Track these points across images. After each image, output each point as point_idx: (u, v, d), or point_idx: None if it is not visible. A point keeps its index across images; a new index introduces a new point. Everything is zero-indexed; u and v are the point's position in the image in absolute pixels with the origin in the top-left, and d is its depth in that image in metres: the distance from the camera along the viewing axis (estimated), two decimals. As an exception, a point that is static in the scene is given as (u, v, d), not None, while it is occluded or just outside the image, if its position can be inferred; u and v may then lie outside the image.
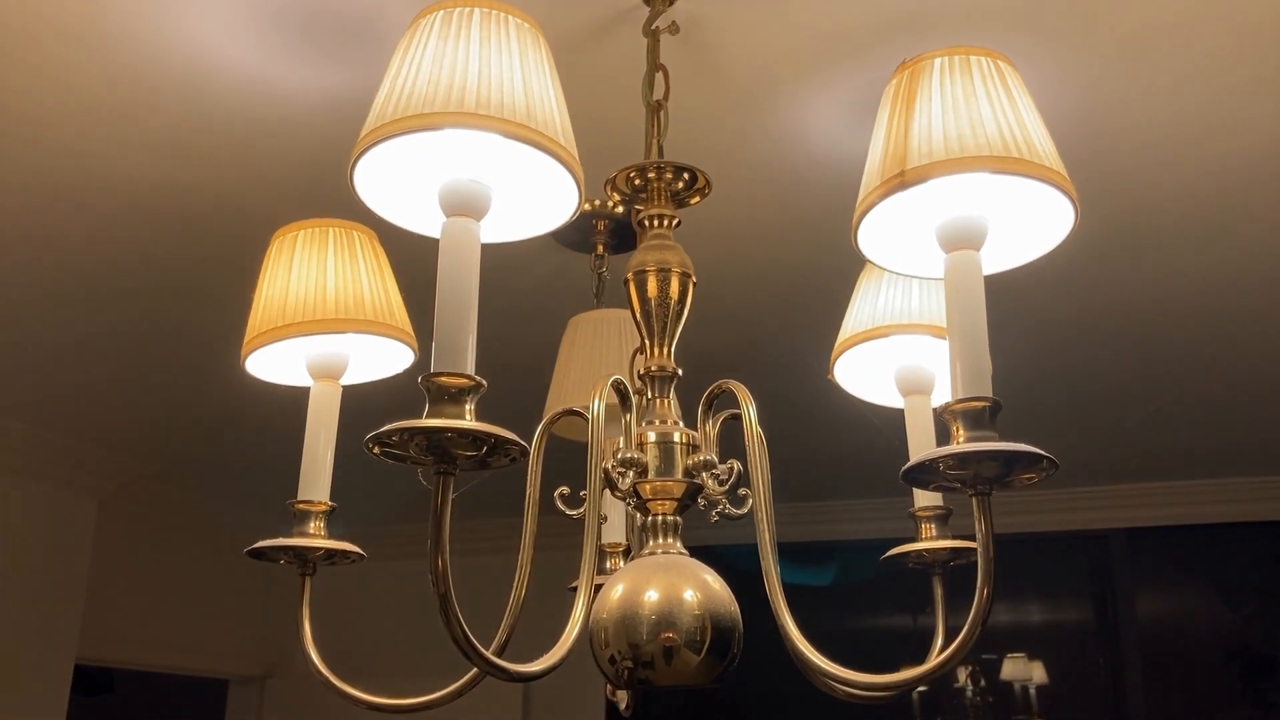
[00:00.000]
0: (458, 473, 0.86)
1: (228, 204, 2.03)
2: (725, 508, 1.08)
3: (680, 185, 1.19)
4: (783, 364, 2.71)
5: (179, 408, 3.15)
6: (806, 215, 2.04)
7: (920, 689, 3.95)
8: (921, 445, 1.17)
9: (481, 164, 0.95)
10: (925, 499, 1.17)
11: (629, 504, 1.10)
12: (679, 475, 1.07)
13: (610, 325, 1.72)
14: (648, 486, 1.07)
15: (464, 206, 0.93)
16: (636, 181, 1.19)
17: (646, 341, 1.14)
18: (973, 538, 0.88)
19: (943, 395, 1.11)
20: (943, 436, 0.93)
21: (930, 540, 1.16)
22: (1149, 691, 3.83)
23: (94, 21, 1.53)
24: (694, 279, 1.15)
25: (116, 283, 2.34)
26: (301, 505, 1.14)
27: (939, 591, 1.20)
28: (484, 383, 0.87)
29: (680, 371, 1.14)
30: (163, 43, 1.58)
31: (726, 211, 2.03)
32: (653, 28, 1.40)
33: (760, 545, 1.02)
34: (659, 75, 1.32)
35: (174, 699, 5.86)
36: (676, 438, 1.09)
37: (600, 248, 1.97)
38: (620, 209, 1.90)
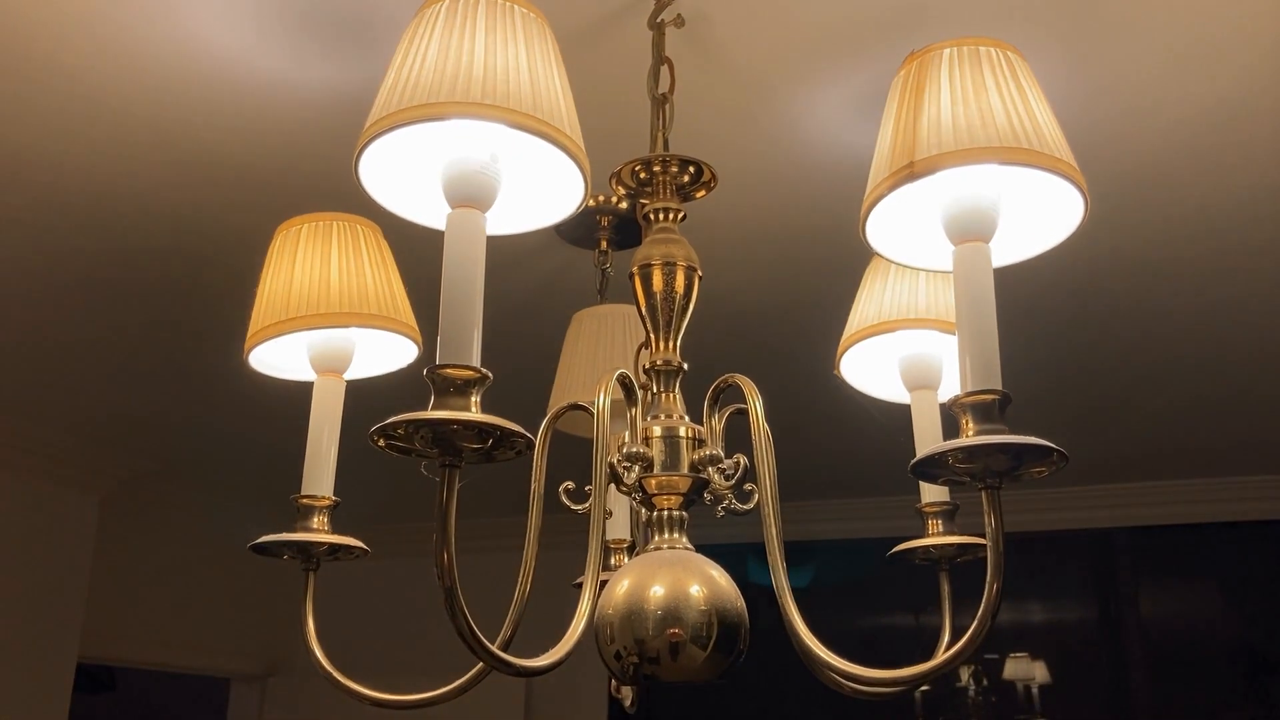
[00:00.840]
0: (463, 465, 0.85)
1: (228, 199, 2.02)
2: (731, 503, 1.08)
3: (686, 179, 1.18)
4: (788, 358, 2.71)
5: (180, 405, 3.15)
6: (813, 208, 2.03)
7: (922, 688, 3.94)
8: (928, 441, 1.17)
9: (487, 155, 0.94)
10: (932, 494, 1.17)
11: (634, 499, 1.09)
12: (684, 470, 1.07)
13: (615, 320, 1.71)
14: (653, 481, 1.06)
15: (469, 198, 0.92)
16: (642, 175, 1.18)
17: (652, 336, 1.13)
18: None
19: (949, 390, 1.10)
20: (950, 431, 0.92)
21: (937, 536, 1.15)
22: (1152, 691, 3.82)
23: (94, 16, 1.53)
24: (700, 273, 1.14)
25: (117, 278, 2.33)
26: (305, 500, 1.13)
27: (945, 588, 1.19)
28: (490, 375, 0.86)
29: (686, 366, 1.13)
30: (162, 36, 1.57)
31: (732, 205, 2.02)
32: (658, 21, 1.39)
33: (767, 540, 1.02)
34: (664, 68, 1.31)
35: (175, 697, 5.87)
36: (682, 432, 1.08)
37: (604, 243, 1.97)
38: (624, 204, 1.89)
